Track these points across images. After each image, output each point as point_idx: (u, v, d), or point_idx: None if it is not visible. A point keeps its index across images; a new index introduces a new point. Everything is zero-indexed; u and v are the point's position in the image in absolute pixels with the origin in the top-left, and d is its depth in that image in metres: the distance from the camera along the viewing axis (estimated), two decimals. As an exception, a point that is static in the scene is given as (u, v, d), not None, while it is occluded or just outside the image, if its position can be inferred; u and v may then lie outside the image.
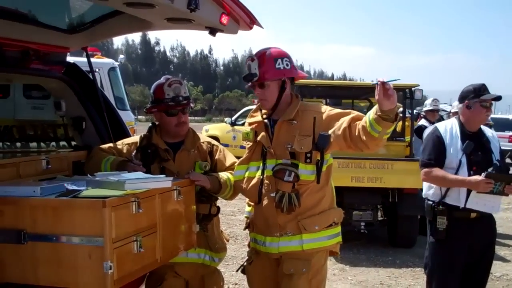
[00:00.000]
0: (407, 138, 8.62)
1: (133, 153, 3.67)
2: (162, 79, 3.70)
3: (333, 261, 7.54)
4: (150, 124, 3.81)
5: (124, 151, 3.70)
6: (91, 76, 4.07)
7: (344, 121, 3.18)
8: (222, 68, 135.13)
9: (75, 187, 2.94)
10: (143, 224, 2.92)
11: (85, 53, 4.06)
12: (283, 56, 3.36)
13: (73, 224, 2.69)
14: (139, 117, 16.54)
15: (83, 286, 2.73)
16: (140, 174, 3.17)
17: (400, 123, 8.74)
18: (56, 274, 2.72)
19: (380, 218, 8.47)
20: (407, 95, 8.39)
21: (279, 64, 3.31)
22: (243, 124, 14.12)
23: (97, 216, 2.64)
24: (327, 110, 3.36)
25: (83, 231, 2.67)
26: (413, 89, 8.12)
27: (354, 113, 3.22)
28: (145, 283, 3.78)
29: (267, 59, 3.33)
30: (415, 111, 9.97)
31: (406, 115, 8.82)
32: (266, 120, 3.44)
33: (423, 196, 4.38)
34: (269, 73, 3.32)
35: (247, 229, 3.67)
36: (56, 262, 2.72)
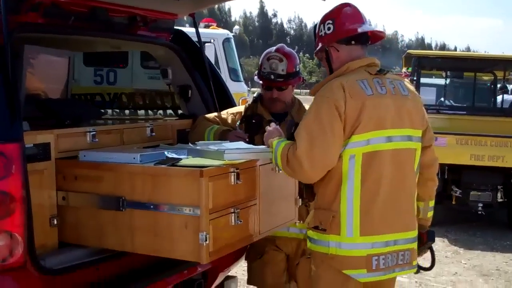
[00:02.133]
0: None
1: (237, 123, 3.64)
2: (270, 49, 3.61)
3: (446, 243, 7.16)
4: (255, 94, 3.75)
5: (229, 120, 3.67)
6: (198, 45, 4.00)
7: None
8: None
9: (175, 156, 2.88)
10: (242, 196, 2.83)
11: (193, 21, 4.01)
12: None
13: (171, 193, 2.64)
14: (253, 89, 16.56)
15: (178, 256, 2.69)
16: (241, 144, 3.07)
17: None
18: (152, 243, 2.69)
19: (500, 200, 7.92)
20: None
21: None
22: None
23: (194, 185, 2.57)
24: None
25: (180, 201, 2.61)
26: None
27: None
28: (245, 255, 3.72)
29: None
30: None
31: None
32: None
33: None
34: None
35: None
36: (152, 230, 2.69)
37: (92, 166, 2.85)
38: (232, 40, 12.70)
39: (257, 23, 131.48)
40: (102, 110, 5.29)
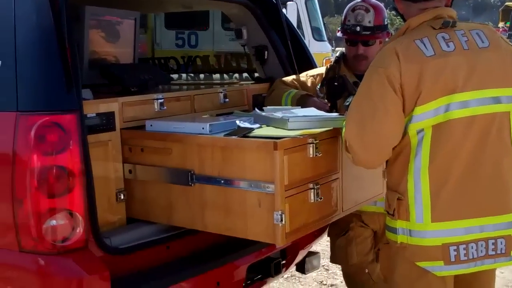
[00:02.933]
0: None
1: (318, 86, 3.40)
2: (355, 1, 3.29)
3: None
4: (337, 53, 3.49)
5: (308, 83, 3.44)
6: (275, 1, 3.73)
7: None
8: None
9: (247, 125, 2.65)
10: (323, 170, 2.57)
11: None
12: None
13: (243, 167, 2.42)
14: (337, 48, 16.10)
15: (252, 237, 2.47)
16: (312, 111, 2.81)
17: None
18: (224, 221, 2.50)
19: None
20: None
21: None
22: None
23: (267, 159, 2.33)
24: None
25: (253, 176, 2.39)
26: None
27: None
28: (328, 231, 3.45)
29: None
30: None
31: None
32: None
33: None
34: None
35: None
36: (223, 208, 2.49)
37: (159, 137, 2.67)
38: (315, -2, 12.38)
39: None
40: (176, 75, 5.13)
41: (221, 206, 2.49)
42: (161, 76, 3.23)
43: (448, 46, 2.28)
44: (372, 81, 2.29)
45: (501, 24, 11.82)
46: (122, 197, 2.73)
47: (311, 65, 3.78)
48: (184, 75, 5.44)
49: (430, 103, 2.24)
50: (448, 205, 2.28)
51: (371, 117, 2.25)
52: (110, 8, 3.24)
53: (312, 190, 2.46)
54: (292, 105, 3.19)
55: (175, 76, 5.31)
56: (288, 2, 11.15)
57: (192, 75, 5.50)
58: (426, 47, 2.26)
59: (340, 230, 3.40)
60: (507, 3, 7.28)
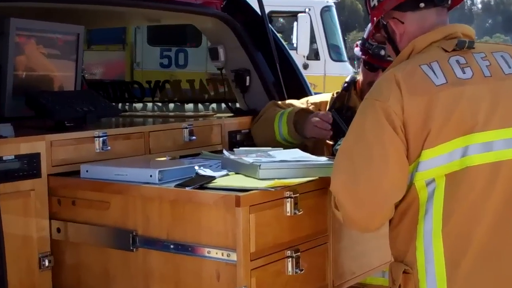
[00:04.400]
0: None
1: None
2: None
3: None
4: (347, 78, 3.52)
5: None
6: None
7: None
8: (480, 6, 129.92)
9: (209, 172, 2.58)
10: (305, 232, 2.49)
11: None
12: None
13: (198, 227, 2.35)
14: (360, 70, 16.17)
15: (208, 320, 2.37)
16: (297, 153, 2.78)
17: None
18: (173, 297, 2.42)
19: None
20: None
21: None
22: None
23: (228, 218, 2.26)
24: None
25: (210, 240, 2.31)
26: None
27: None
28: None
29: None
30: None
31: None
32: None
33: None
34: None
35: None
36: (173, 280, 2.41)
37: (96, 187, 2.61)
38: (334, 9, 12.62)
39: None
40: (140, 105, 5.13)
41: (170, 278, 2.41)
42: (106, 107, 3.15)
43: (464, 73, 2.18)
44: (367, 118, 2.19)
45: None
46: (47, 263, 2.65)
47: (305, 94, 3.77)
48: (150, 105, 5.41)
49: (442, 145, 2.13)
50: (470, 280, 2.14)
51: (365, 164, 2.15)
52: (45, 21, 3.20)
53: (290, 259, 2.38)
54: (288, 126, 3.22)
55: (138, 106, 5.29)
56: (299, 14, 11.22)
57: (159, 104, 5.48)
58: (435, 74, 2.16)
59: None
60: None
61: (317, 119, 3.14)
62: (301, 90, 3.76)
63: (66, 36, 3.35)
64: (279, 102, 3.52)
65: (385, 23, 2.39)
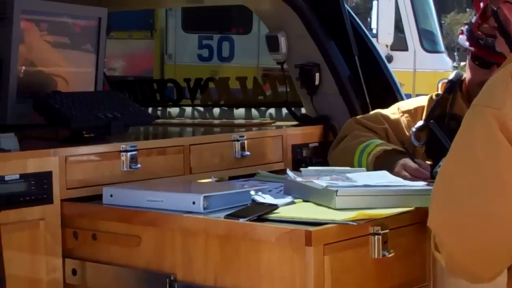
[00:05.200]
0: None
1: (413, 129, 3.43)
2: None
3: None
4: (451, 76, 3.55)
5: (402, 124, 3.50)
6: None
7: None
8: None
9: (269, 198, 2.64)
10: (396, 280, 2.53)
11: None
12: None
13: (256, 271, 2.39)
14: (462, 63, 16.04)
15: None
16: (383, 176, 2.82)
17: None
18: None
19: None
20: None
21: None
22: None
23: (296, 261, 2.30)
24: None
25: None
26: None
27: None
28: None
29: None
30: None
31: None
32: None
33: None
34: None
35: None
36: None
37: (123, 216, 2.67)
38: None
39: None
40: (176, 109, 5.19)
41: None
42: (135, 113, 3.20)
43: None
44: (475, 131, 2.18)
45: None
46: (58, 314, 2.72)
47: (393, 96, 3.79)
48: (188, 110, 5.46)
49: None
50: None
51: (474, 193, 2.13)
52: (58, 2, 3.27)
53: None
54: (369, 168, 3.21)
55: (173, 110, 5.33)
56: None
57: (201, 109, 5.51)
58: None
59: None
60: None
61: (406, 174, 3.13)
62: (388, 91, 3.80)
63: (84, 21, 3.42)
64: (362, 118, 3.54)
65: (495, 9, 2.38)
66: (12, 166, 2.56)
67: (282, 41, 3.79)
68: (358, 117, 3.53)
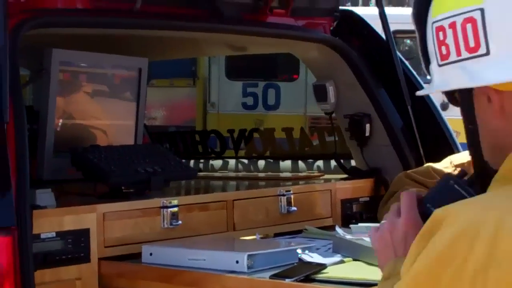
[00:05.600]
0: None
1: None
2: None
3: None
4: None
5: None
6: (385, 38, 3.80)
7: None
8: None
9: (317, 257, 2.64)
10: None
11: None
12: None
13: None
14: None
15: None
16: None
17: None
18: None
19: None
20: None
21: None
22: None
23: None
24: None
25: None
26: None
27: None
28: None
29: None
30: None
31: None
32: None
33: None
34: None
35: None
36: None
37: (164, 275, 2.68)
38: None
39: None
40: (219, 162, 5.18)
41: None
42: (177, 167, 3.21)
43: None
44: None
45: None
46: None
47: (448, 148, 3.76)
48: (232, 162, 5.43)
49: None
50: None
51: None
52: (97, 52, 3.30)
53: None
54: None
55: (216, 163, 5.32)
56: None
57: (245, 161, 5.48)
58: None
59: None
60: None
61: None
62: (443, 142, 3.75)
63: (124, 72, 3.47)
64: (412, 173, 3.53)
65: None
66: (49, 224, 2.57)
67: (331, 90, 3.79)
68: (408, 171, 3.53)
